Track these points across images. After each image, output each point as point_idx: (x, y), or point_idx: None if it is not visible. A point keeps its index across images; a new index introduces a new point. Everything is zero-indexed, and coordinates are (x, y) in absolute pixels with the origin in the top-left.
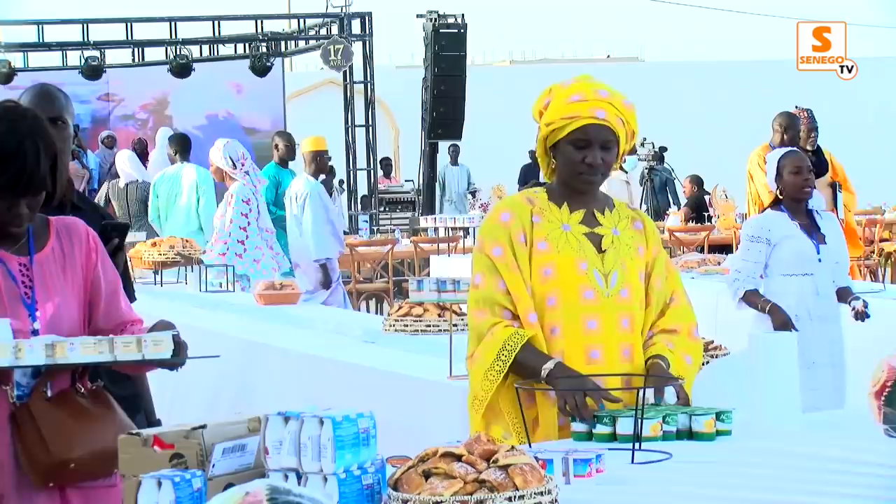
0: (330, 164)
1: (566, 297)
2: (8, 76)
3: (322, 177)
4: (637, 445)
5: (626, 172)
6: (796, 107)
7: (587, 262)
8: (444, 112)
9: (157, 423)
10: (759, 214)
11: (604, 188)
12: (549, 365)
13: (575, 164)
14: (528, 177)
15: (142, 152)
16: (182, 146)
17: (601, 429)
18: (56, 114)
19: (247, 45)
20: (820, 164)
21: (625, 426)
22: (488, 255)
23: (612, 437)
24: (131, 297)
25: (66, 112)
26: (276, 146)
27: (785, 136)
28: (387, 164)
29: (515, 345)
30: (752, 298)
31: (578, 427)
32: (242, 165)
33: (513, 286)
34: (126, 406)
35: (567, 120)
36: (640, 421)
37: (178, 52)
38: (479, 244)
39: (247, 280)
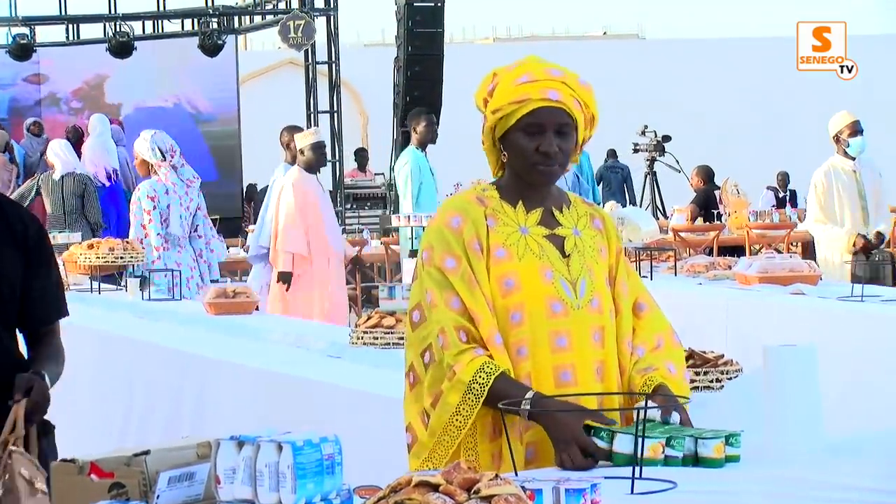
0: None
1: (532, 312)
2: None
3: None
4: (637, 473)
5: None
6: None
7: (552, 269)
8: (419, 96)
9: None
10: None
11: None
12: (529, 395)
13: (528, 154)
14: None
15: (76, 141)
16: None
17: (598, 444)
18: None
19: (195, 20)
20: None
21: (623, 444)
22: (439, 267)
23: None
24: (62, 311)
25: None
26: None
27: None
28: (361, 156)
29: (483, 384)
30: None
31: (600, 444)
32: (171, 157)
33: (472, 303)
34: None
35: (516, 104)
36: (640, 446)
37: (117, 29)
38: (425, 255)
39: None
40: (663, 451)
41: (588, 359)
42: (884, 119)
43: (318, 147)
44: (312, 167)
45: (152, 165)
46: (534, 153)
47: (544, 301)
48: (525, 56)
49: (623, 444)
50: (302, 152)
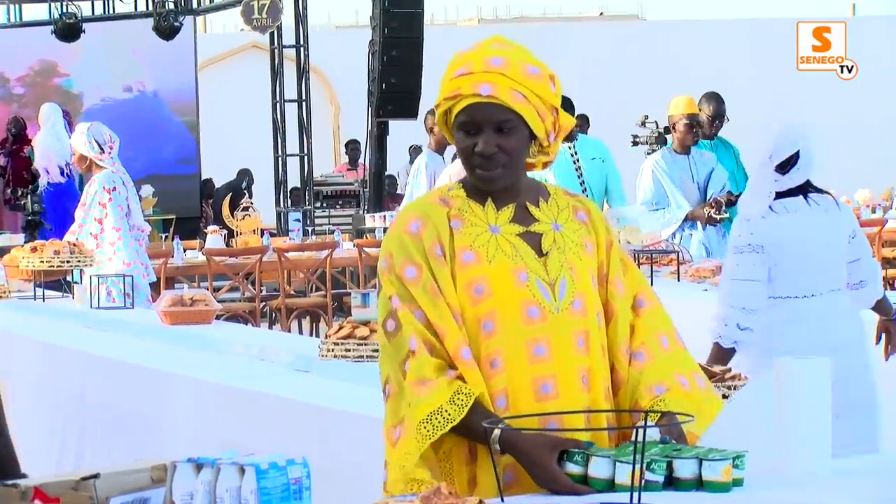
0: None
1: (506, 320)
2: None
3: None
4: (638, 498)
5: None
6: None
7: (526, 270)
8: (396, 84)
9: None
10: None
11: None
12: (496, 437)
13: (468, 156)
14: None
15: (18, 134)
16: None
17: (572, 468)
18: None
19: (149, 0)
20: None
21: (599, 468)
22: (399, 276)
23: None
24: None
25: None
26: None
27: None
28: (353, 149)
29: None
30: None
31: (574, 469)
32: (111, 150)
33: (435, 316)
34: None
35: (450, 101)
36: (640, 469)
37: (64, 10)
38: (384, 264)
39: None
40: (643, 477)
41: (571, 367)
42: (884, 119)
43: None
44: None
45: (92, 161)
46: (473, 154)
47: (519, 306)
48: (490, 37)
49: (599, 468)
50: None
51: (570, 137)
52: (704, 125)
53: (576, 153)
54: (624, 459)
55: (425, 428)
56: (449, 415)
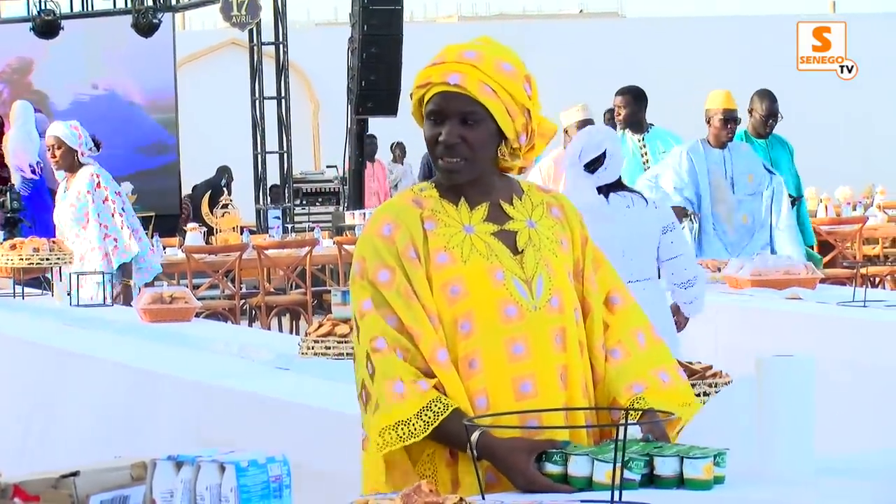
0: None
1: (483, 319)
2: None
3: None
4: (619, 496)
5: None
6: None
7: (502, 269)
8: (376, 81)
9: None
10: None
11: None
12: (473, 443)
13: (432, 147)
14: None
15: None
16: None
17: (550, 468)
18: None
19: None
20: None
21: (578, 466)
22: (372, 281)
23: (587, 482)
24: None
25: None
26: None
27: None
28: (370, 144)
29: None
30: None
31: (553, 469)
32: (91, 150)
33: (409, 319)
34: None
35: (421, 88)
36: (620, 466)
37: (42, 7)
38: (357, 268)
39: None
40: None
41: (550, 365)
42: (884, 119)
43: (585, 125)
44: None
45: (76, 156)
46: (437, 144)
47: (496, 305)
48: (479, 37)
49: (578, 466)
50: (566, 132)
51: (641, 129)
52: (739, 121)
53: (644, 146)
54: (602, 457)
55: (388, 435)
56: (414, 429)
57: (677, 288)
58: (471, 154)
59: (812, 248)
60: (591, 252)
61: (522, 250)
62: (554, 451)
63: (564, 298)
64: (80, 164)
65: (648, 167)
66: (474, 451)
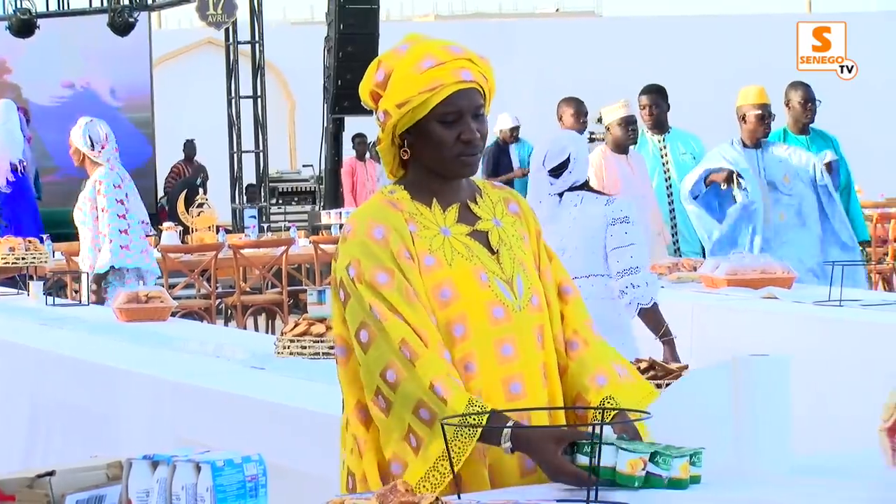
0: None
1: (475, 322)
2: None
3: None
4: (595, 495)
5: None
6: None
7: (485, 271)
8: (352, 80)
9: None
10: None
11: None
12: (507, 436)
13: (450, 146)
14: (498, 164)
15: None
16: None
17: (582, 460)
18: None
19: None
20: None
21: (606, 457)
22: (370, 283)
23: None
24: None
25: None
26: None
27: None
28: (360, 143)
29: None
30: None
31: (583, 460)
32: (103, 149)
33: (414, 319)
34: None
35: (428, 93)
36: (596, 460)
37: (18, 6)
38: (352, 272)
39: (137, 276)
40: (644, 468)
41: (534, 364)
42: (884, 119)
43: (627, 122)
44: (621, 145)
45: (85, 156)
46: (455, 143)
47: (485, 308)
48: (406, 36)
49: (605, 457)
50: (608, 129)
51: (662, 130)
52: (773, 117)
53: (665, 146)
54: (626, 447)
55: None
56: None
57: (618, 276)
58: (483, 146)
59: (866, 244)
60: (544, 245)
61: (497, 250)
62: (584, 442)
63: (540, 296)
64: (95, 164)
65: (668, 168)
66: (506, 444)
